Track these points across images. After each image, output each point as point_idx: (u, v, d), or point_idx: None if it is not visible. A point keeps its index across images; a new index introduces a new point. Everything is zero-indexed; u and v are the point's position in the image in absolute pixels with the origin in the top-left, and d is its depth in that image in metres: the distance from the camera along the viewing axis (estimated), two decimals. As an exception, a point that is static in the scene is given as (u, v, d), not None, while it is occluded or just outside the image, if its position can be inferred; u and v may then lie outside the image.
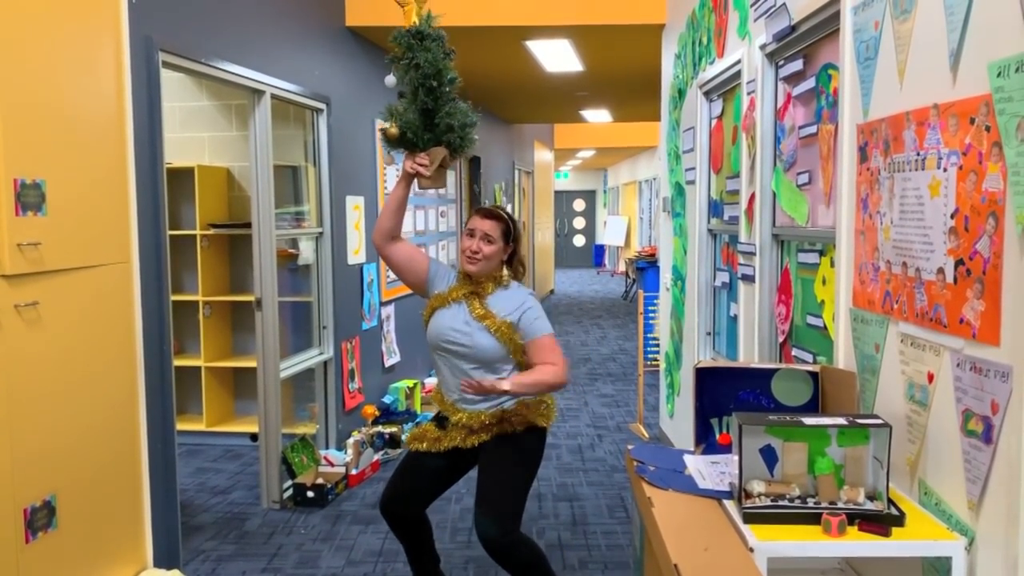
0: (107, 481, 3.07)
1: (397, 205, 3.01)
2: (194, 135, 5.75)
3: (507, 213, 3.06)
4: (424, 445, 2.98)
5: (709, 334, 4.59)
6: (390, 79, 3.01)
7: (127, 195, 3.20)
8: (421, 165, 2.91)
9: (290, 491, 4.55)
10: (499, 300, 2.93)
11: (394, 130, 2.93)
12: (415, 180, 2.99)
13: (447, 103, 2.93)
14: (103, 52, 3.06)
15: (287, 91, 4.55)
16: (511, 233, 3.01)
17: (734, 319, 3.97)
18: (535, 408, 2.94)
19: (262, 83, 4.27)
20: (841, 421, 2.08)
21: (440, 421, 3.04)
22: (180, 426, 3.99)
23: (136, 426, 3.27)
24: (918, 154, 2.09)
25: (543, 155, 15.21)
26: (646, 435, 5.92)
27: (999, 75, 1.74)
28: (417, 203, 7.02)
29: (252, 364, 4.67)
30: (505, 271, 3.03)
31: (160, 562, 3.41)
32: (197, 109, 5.76)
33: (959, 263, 1.91)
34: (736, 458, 2.12)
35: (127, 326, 3.21)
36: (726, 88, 4.13)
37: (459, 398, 2.94)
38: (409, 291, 5.01)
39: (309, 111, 5.06)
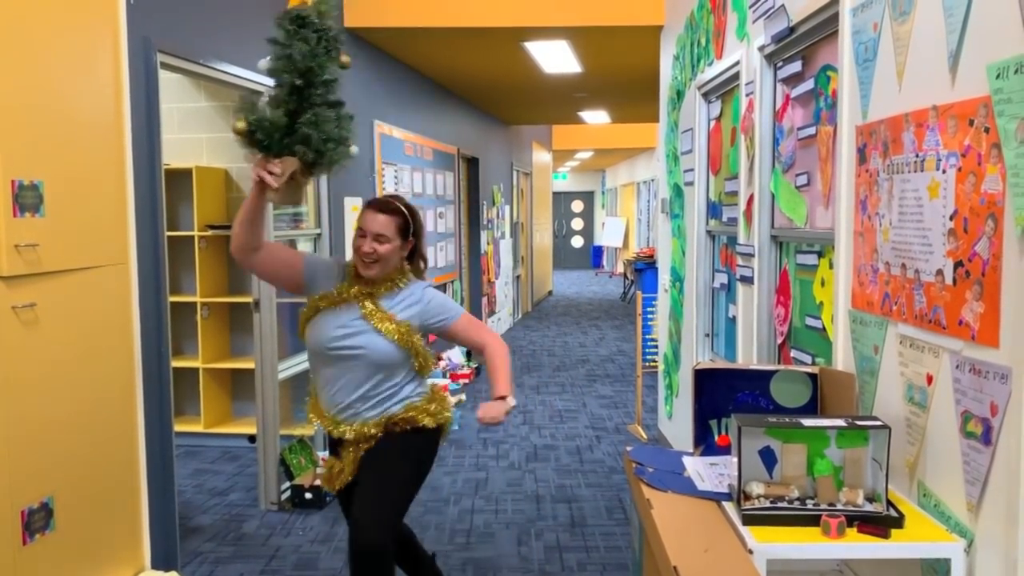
0: (105, 482, 3.06)
1: (250, 216, 2.56)
2: (192, 136, 5.74)
3: (404, 204, 2.75)
4: (337, 484, 2.77)
5: (707, 335, 4.59)
6: (263, 62, 2.53)
7: (125, 196, 3.19)
8: (270, 174, 2.43)
9: (288, 493, 4.55)
10: (396, 300, 2.69)
11: (241, 124, 2.46)
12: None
13: (311, 108, 2.45)
14: (101, 53, 3.05)
15: (285, 92, 4.54)
16: (409, 228, 2.71)
17: (732, 320, 3.97)
18: (422, 409, 2.72)
19: (261, 84, 4.26)
20: (840, 423, 2.08)
21: (334, 449, 2.82)
22: (178, 427, 3.98)
23: (134, 427, 3.26)
24: (917, 155, 2.09)
25: (541, 156, 15.21)
26: (644, 436, 5.91)
27: (998, 76, 1.74)
28: (415, 204, 7.01)
29: (250, 365, 4.66)
30: (406, 267, 2.77)
31: (158, 564, 3.40)
32: (195, 110, 5.75)
33: (958, 265, 1.91)
34: (735, 460, 2.12)
35: (125, 327, 3.21)
36: (725, 89, 4.14)
37: (341, 410, 2.69)
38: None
39: (307, 112, 5.06)
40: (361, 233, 2.66)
